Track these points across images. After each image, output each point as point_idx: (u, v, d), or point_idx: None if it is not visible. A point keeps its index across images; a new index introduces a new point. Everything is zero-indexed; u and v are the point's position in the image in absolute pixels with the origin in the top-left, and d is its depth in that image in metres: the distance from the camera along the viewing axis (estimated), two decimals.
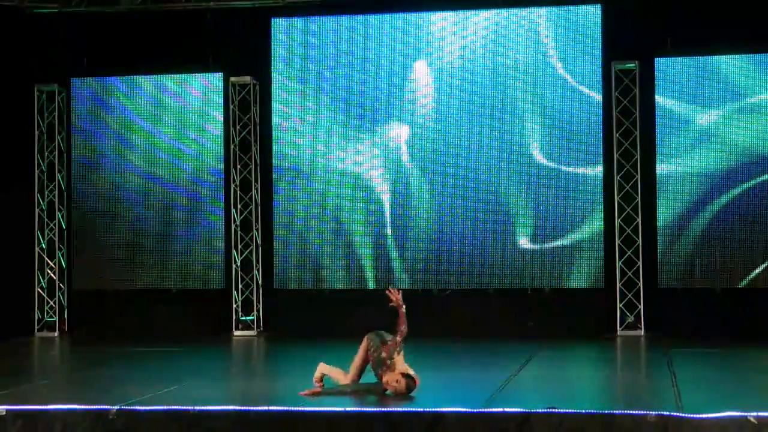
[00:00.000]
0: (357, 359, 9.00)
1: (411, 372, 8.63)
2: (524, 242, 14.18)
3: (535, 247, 14.16)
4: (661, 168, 13.91)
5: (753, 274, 13.60)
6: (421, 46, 14.50)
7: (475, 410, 7.73)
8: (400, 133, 14.54)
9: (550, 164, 14.15)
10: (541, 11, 14.22)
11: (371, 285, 14.56)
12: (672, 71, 13.91)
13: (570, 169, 14.11)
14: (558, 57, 14.16)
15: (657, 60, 13.93)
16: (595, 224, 14.09)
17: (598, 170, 14.06)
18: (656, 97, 13.91)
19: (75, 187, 15.34)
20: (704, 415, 7.33)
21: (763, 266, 13.59)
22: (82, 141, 15.32)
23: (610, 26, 14.04)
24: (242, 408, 7.98)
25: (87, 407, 8.04)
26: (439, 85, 14.44)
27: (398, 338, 8.65)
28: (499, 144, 14.29)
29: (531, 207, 14.18)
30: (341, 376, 9.05)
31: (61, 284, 15.31)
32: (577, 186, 14.10)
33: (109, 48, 15.21)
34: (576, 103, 14.11)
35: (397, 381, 8.53)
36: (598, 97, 14.05)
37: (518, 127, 14.25)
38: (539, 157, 14.19)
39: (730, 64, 13.80)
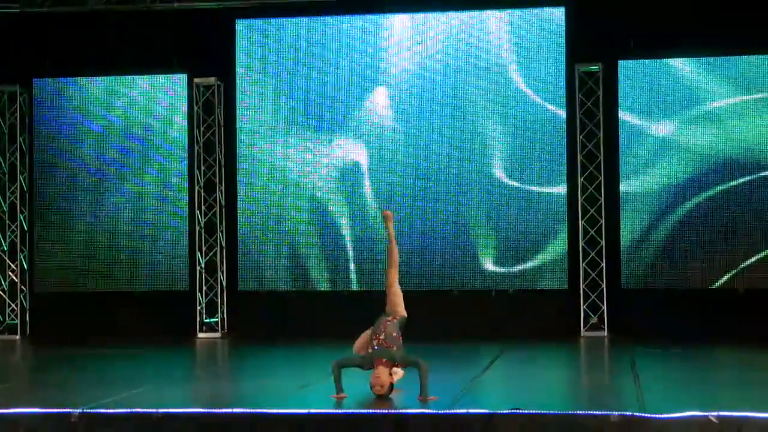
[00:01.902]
0: (360, 350, 8.91)
1: (398, 373, 8.66)
2: (489, 264, 14.26)
3: (502, 270, 14.24)
4: (624, 170, 14.01)
5: (724, 278, 13.71)
6: (384, 47, 14.52)
7: (439, 411, 7.74)
8: (363, 134, 14.55)
9: (512, 183, 14.20)
10: (503, 15, 14.27)
11: (335, 287, 14.55)
12: (634, 74, 14.01)
13: (534, 187, 14.16)
14: (520, 63, 14.20)
15: (620, 62, 14.02)
16: (560, 235, 14.17)
17: (562, 176, 14.13)
18: (619, 97, 14.03)
19: (37, 189, 15.22)
20: (666, 415, 7.38)
21: (732, 272, 13.72)
22: (45, 142, 15.21)
23: (573, 29, 14.11)
24: (206, 410, 7.95)
25: (49, 410, 7.98)
26: (396, 92, 14.48)
27: (393, 317, 8.75)
28: (459, 152, 14.36)
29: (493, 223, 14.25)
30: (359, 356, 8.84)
31: (23, 287, 15.17)
32: (542, 195, 14.16)
33: (72, 48, 15.10)
34: (538, 108, 14.19)
35: (381, 386, 8.46)
36: (561, 113, 14.10)
37: (479, 133, 14.31)
38: (501, 176, 14.23)
39: (690, 71, 13.91)
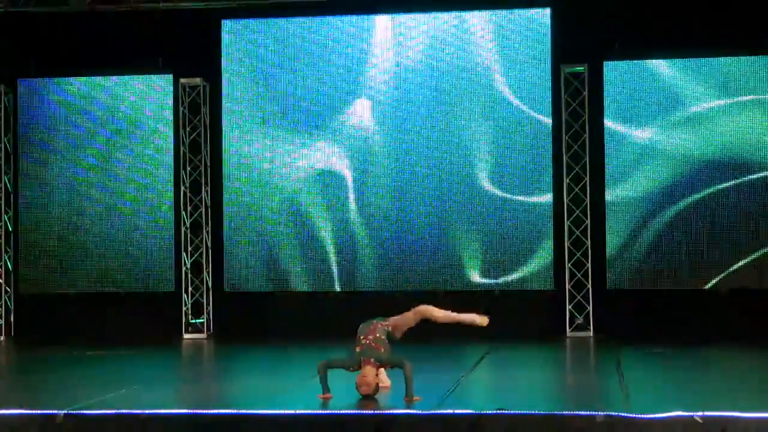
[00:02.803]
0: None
1: (384, 382, 8.69)
2: (475, 277, 14.29)
3: (488, 281, 14.28)
4: (610, 173, 14.05)
5: (714, 281, 13.76)
6: (369, 49, 14.52)
7: (425, 412, 7.75)
8: (351, 130, 14.54)
9: (495, 193, 14.23)
10: (485, 15, 14.28)
11: (323, 287, 14.54)
12: (620, 75, 14.06)
13: (520, 194, 14.18)
14: (505, 65, 14.22)
15: (606, 63, 14.06)
16: (547, 243, 14.20)
17: (548, 177, 14.16)
18: (605, 98, 14.08)
19: (22, 190, 15.16)
20: (652, 416, 7.41)
21: (721, 275, 13.77)
22: (29, 142, 15.15)
23: (559, 30, 14.14)
24: (192, 411, 7.94)
25: (34, 412, 7.96)
26: (381, 96, 14.50)
27: (387, 324, 8.78)
28: (440, 146, 14.38)
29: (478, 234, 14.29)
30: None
31: (7, 287, 15.12)
32: (526, 203, 14.20)
33: (57, 49, 15.06)
34: (521, 114, 14.23)
35: (368, 385, 8.44)
36: (547, 121, 14.13)
37: (462, 135, 14.34)
38: (486, 184, 14.25)
39: (674, 74, 13.96)
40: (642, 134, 14.00)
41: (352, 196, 14.53)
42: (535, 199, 14.15)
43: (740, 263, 13.74)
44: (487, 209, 14.25)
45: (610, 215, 14.03)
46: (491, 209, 14.24)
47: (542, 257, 14.18)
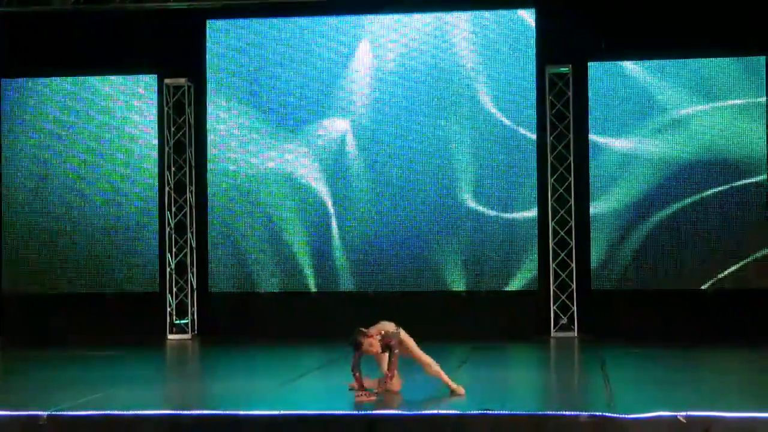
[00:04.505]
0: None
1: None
2: (459, 277, 14.33)
3: (473, 281, 14.32)
4: (595, 174, 14.09)
5: (722, 278, 13.80)
6: (353, 50, 14.52)
7: (410, 412, 7.76)
8: (334, 132, 14.53)
9: (479, 192, 14.28)
10: (467, 16, 14.32)
11: (307, 287, 14.54)
12: (604, 76, 14.12)
13: (503, 195, 14.21)
14: (487, 65, 14.25)
15: (591, 64, 14.10)
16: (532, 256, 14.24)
17: (532, 177, 14.20)
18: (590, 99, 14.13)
19: (5, 190, 15.09)
20: (636, 416, 7.44)
21: (706, 276, 13.83)
22: (12, 142, 15.09)
23: (543, 31, 14.17)
24: (176, 412, 7.92)
25: (16, 413, 7.93)
26: (364, 97, 14.51)
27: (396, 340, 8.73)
28: (421, 144, 14.41)
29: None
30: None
31: None
32: (511, 221, 14.24)
33: (40, 48, 14.99)
34: (508, 104, 14.26)
35: (371, 345, 8.55)
36: (531, 136, 14.17)
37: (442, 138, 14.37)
38: (467, 186, 14.29)
39: (651, 79, 14.02)
40: (623, 142, 14.03)
41: (330, 202, 14.51)
42: (518, 210, 14.14)
43: (726, 266, 13.78)
44: (469, 212, 14.25)
45: (594, 216, 14.06)
46: (474, 214, 14.24)
47: (527, 258, 14.19)
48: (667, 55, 13.94)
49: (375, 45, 14.49)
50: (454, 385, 8.85)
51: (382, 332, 8.69)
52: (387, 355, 8.69)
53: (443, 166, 14.33)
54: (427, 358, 9.01)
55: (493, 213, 14.22)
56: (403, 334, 8.85)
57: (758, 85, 13.81)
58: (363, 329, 8.68)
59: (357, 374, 8.60)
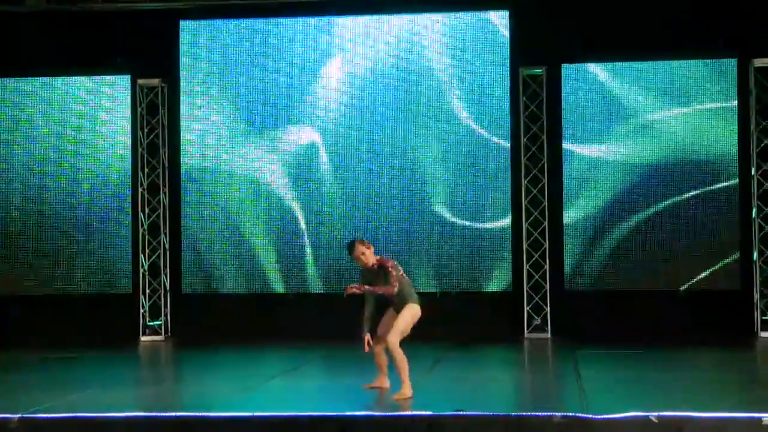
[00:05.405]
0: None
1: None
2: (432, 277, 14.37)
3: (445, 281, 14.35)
4: (569, 173, 14.14)
5: (694, 281, 13.87)
6: (329, 51, 14.53)
7: (383, 414, 7.76)
8: (306, 137, 14.53)
9: (451, 193, 14.31)
10: (440, 17, 14.35)
11: (279, 289, 14.51)
12: (578, 77, 14.18)
13: (475, 197, 14.25)
14: (460, 68, 14.30)
15: (564, 66, 14.15)
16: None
17: (505, 178, 14.24)
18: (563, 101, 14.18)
19: None
20: (608, 416, 7.48)
21: (680, 278, 13.91)
22: None
23: (517, 34, 14.22)
24: (149, 414, 7.89)
25: None
26: (339, 97, 14.52)
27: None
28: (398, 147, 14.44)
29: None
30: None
31: None
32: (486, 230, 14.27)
33: (13, 49, 14.89)
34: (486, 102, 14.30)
35: (363, 253, 8.81)
36: (505, 144, 14.21)
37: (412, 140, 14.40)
38: (440, 207, 14.33)
39: (620, 84, 14.11)
40: (596, 145, 14.09)
41: (312, 194, 14.51)
42: (491, 213, 14.19)
43: (698, 268, 13.87)
44: (439, 218, 14.29)
45: (568, 218, 14.11)
46: (446, 218, 14.27)
47: (500, 260, 14.22)
48: (639, 57, 14.01)
49: (346, 54, 14.49)
50: (407, 386, 8.71)
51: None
52: (379, 281, 8.82)
53: (413, 170, 14.34)
54: (403, 327, 8.99)
55: (465, 216, 14.25)
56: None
57: (730, 88, 13.91)
58: (364, 240, 8.87)
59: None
